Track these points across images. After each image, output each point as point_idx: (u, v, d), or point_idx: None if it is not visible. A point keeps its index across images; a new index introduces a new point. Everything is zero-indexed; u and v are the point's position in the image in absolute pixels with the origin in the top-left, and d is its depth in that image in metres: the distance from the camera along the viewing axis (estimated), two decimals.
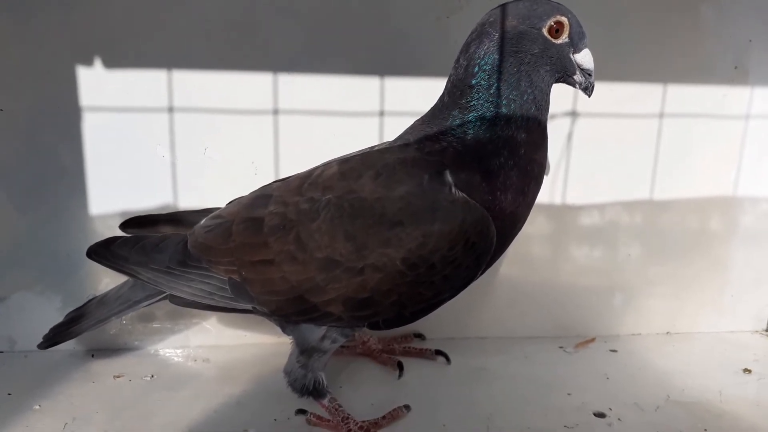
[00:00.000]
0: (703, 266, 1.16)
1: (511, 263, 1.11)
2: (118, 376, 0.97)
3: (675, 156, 1.10)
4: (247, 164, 1.01)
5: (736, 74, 1.09)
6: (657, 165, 1.10)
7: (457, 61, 0.76)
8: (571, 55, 0.75)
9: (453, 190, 0.71)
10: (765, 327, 1.21)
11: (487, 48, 0.73)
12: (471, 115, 0.74)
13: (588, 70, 0.76)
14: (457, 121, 0.75)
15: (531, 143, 0.74)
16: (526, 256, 1.11)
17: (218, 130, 1.00)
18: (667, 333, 1.18)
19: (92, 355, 1.03)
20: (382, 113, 1.01)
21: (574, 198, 1.09)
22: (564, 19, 0.73)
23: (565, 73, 0.75)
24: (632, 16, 1.04)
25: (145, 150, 0.99)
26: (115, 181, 1.00)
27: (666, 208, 1.12)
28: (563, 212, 1.10)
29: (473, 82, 0.74)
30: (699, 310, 1.18)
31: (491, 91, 0.73)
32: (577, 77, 0.75)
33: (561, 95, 1.03)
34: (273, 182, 0.87)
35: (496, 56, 0.73)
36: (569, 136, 1.06)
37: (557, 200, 1.09)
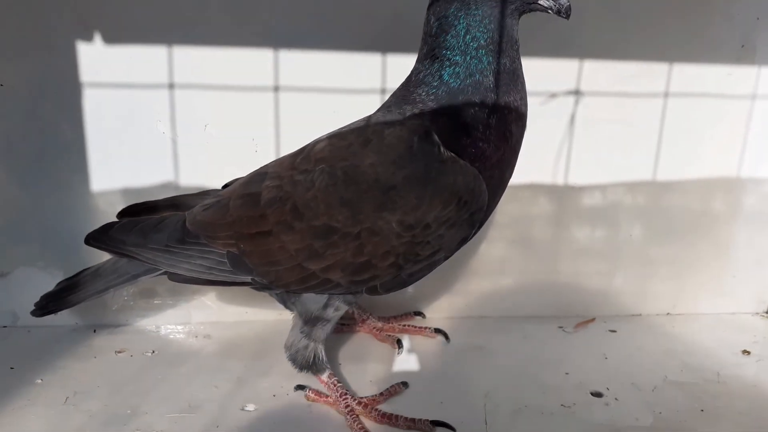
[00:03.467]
0: (705, 247, 1.16)
1: (512, 243, 1.11)
2: (120, 352, 0.98)
3: (679, 136, 1.09)
4: (247, 141, 1.01)
5: (743, 53, 1.07)
6: (660, 145, 1.09)
7: (426, 19, 0.77)
8: None
9: (442, 150, 0.72)
10: (766, 309, 1.20)
11: None
12: (435, 66, 0.75)
13: None
14: (428, 78, 0.76)
15: (502, 86, 0.74)
16: (527, 236, 1.11)
17: (219, 107, 0.99)
18: (668, 314, 1.18)
19: (94, 331, 1.04)
20: (383, 90, 1.00)
21: (576, 178, 1.08)
22: None
23: (524, 1, 0.73)
24: None
25: (146, 126, 0.99)
26: (116, 157, 1.00)
27: (669, 188, 1.11)
28: (565, 192, 1.09)
29: (433, 32, 0.75)
30: (700, 292, 1.18)
31: (446, 39, 0.74)
32: (544, 2, 0.73)
33: (563, 74, 1.03)
34: (268, 163, 0.87)
35: (446, 4, 0.73)
36: (572, 116, 1.05)
37: (559, 180, 1.08)
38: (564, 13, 0.73)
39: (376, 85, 1.00)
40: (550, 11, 0.73)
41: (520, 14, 0.74)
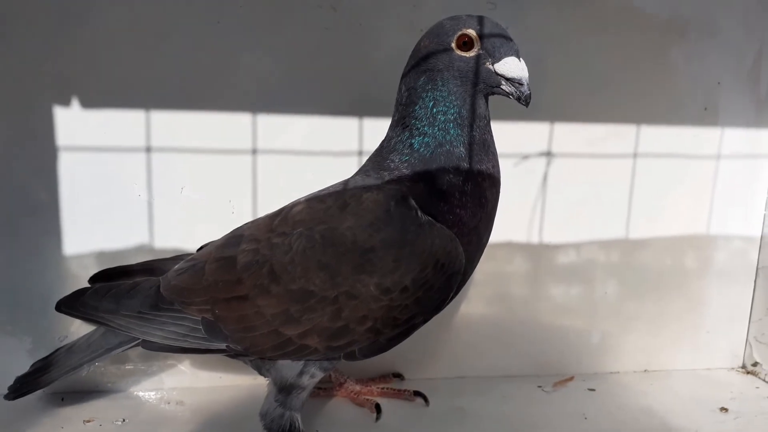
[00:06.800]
0: (679, 303, 1.17)
1: (490, 302, 1.11)
2: (88, 421, 0.94)
3: (649, 195, 1.12)
4: (224, 203, 1.01)
5: (706, 115, 1.11)
6: (632, 204, 1.12)
7: (399, 87, 0.80)
8: (491, 66, 0.74)
9: (419, 214, 0.73)
10: (741, 364, 1.22)
11: (409, 69, 0.77)
12: (406, 134, 0.77)
13: (514, 79, 0.73)
14: (399, 145, 0.78)
15: (473, 156, 0.75)
16: (504, 295, 1.12)
17: (195, 170, 0.99)
18: (645, 371, 1.18)
19: (62, 399, 1.00)
20: (360, 152, 1.02)
21: (550, 237, 1.10)
22: (470, 32, 0.73)
23: (488, 85, 0.74)
24: (606, 59, 1.07)
25: (122, 189, 0.98)
26: (90, 220, 0.99)
27: (641, 246, 1.14)
28: (540, 251, 1.10)
29: (403, 101, 0.78)
30: (676, 348, 1.19)
31: (414, 110, 0.76)
32: (506, 87, 0.74)
33: (535, 137, 1.06)
34: (243, 225, 0.87)
35: (416, 76, 0.76)
36: (545, 177, 1.08)
37: (534, 239, 1.10)
38: (524, 100, 0.74)
39: (354, 147, 1.01)
40: (511, 96, 0.75)
41: (486, 95, 0.76)
